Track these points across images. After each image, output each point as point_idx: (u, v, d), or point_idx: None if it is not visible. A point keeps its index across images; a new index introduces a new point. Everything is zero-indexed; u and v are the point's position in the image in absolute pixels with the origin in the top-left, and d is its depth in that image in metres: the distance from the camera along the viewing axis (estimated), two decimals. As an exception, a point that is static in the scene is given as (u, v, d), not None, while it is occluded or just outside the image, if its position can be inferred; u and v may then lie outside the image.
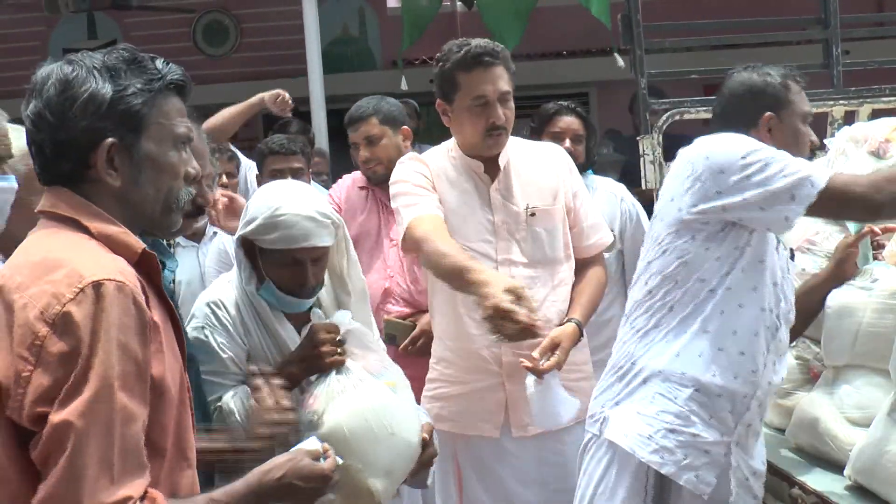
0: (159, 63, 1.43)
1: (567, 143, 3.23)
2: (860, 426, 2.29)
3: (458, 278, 2.21)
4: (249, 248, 2.14)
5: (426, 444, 2.10)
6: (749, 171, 2.03)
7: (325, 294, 2.24)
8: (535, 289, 2.44)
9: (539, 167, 2.58)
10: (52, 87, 1.36)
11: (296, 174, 3.56)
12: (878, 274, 2.41)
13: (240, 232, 2.15)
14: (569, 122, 3.31)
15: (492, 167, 2.54)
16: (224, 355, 2.11)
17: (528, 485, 2.53)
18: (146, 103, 1.38)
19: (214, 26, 8.67)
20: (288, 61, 7.44)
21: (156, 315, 1.35)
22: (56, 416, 1.21)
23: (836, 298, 2.44)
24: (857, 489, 2.20)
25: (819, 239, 2.68)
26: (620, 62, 4.87)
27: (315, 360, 2.07)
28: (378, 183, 3.20)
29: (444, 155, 2.61)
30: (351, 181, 3.40)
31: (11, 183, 1.84)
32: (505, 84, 2.46)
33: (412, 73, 6.02)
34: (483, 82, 2.43)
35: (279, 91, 4.21)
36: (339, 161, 4.46)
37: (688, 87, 5.13)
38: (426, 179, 2.54)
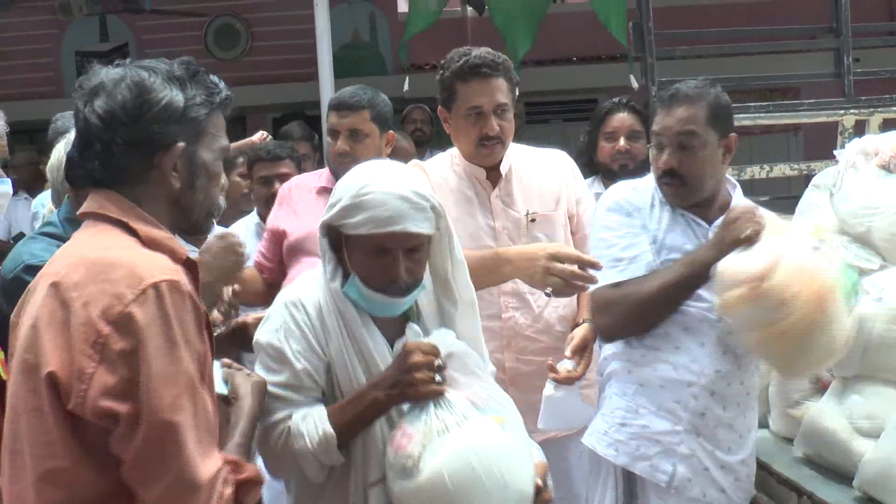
0: (215, 78, 1.53)
1: (622, 141, 3.17)
2: (870, 437, 2.29)
3: (493, 261, 2.35)
4: (335, 237, 1.82)
5: (539, 489, 1.76)
6: None
7: (425, 302, 1.89)
8: (535, 294, 2.47)
9: (542, 173, 2.60)
10: (126, 89, 1.43)
11: (284, 180, 3.45)
12: (888, 283, 2.41)
13: (324, 217, 1.83)
14: (622, 118, 3.27)
15: (494, 174, 2.56)
16: (298, 366, 1.79)
17: None
18: (207, 115, 1.49)
19: (226, 30, 8.71)
20: (299, 65, 7.47)
21: None
22: (139, 412, 1.29)
23: (846, 309, 2.44)
24: (867, 501, 2.20)
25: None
26: (635, 83, 4.81)
27: (408, 387, 1.71)
28: None
29: (447, 162, 2.63)
30: (303, 185, 3.09)
31: (8, 187, 1.91)
32: (502, 96, 2.47)
33: (421, 77, 6.02)
34: (478, 94, 2.45)
35: (264, 133, 4.27)
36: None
37: (698, 94, 5.13)
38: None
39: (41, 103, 8.37)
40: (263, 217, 3.41)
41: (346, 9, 8.37)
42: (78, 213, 1.51)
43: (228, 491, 1.36)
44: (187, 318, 1.36)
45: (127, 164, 1.44)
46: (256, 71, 8.28)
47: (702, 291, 2.18)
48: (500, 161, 2.55)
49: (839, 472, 2.36)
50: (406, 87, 5.39)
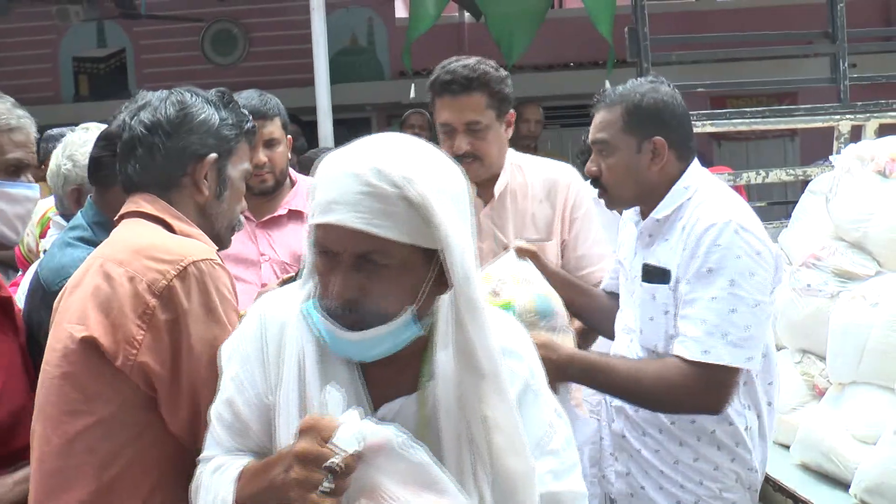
0: (245, 109, 1.74)
1: None
2: (866, 444, 2.28)
3: None
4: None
5: None
6: None
7: (443, 366, 1.31)
8: None
9: (539, 197, 2.48)
10: (170, 105, 1.64)
11: None
12: (884, 288, 2.41)
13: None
14: None
15: (487, 192, 2.46)
16: (238, 401, 1.36)
17: None
18: (237, 137, 1.69)
19: (223, 35, 8.72)
20: (296, 70, 7.48)
21: None
22: (173, 374, 1.49)
23: (841, 316, 2.44)
24: (863, 508, 2.19)
25: (825, 254, 2.67)
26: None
27: (283, 487, 1.22)
28: (262, 193, 2.62)
29: None
30: None
31: (36, 192, 1.96)
32: (473, 113, 2.32)
33: (417, 83, 6.03)
34: (447, 110, 2.35)
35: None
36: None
37: (695, 100, 5.14)
38: None
39: (39, 109, 8.38)
40: None
41: (343, 14, 8.39)
42: (118, 215, 1.66)
43: None
44: (225, 292, 1.54)
45: (164, 168, 1.63)
46: (254, 76, 8.27)
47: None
48: (488, 178, 2.44)
49: (836, 479, 2.35)
50: (413, 93, 5.39)
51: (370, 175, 1.20)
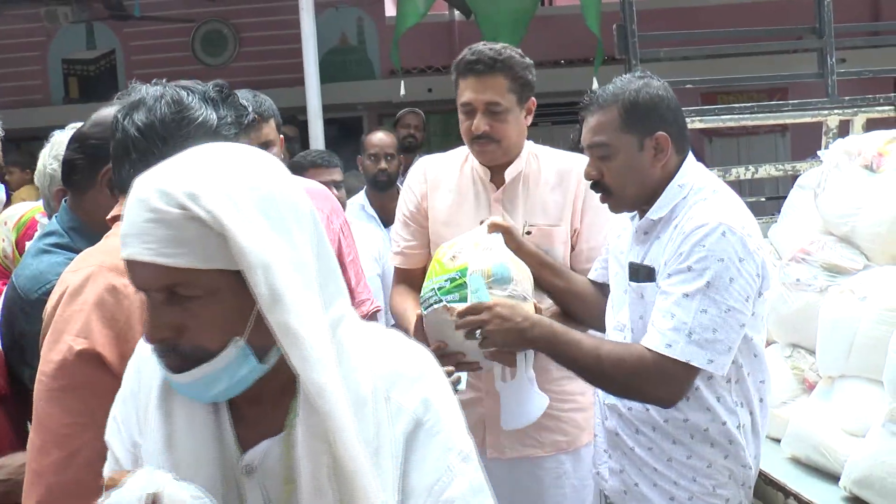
0: (244, 101, 1.64)
1: None
2: (856, 437, 2.29)
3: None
4: None
5: None
6: None
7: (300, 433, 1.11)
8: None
9: (553, 184, 2.49)
10: (165, 105, 1.54)
11: (337, 187, 3.60)
12: (872, 282, 2.42)
13: None
14: None
15: (499, 177, 2.49)
16: (114, 443, 1.25)
17: None
18: (236, 135, 1.59)
19: (213, 36, 8.71)
20: (286, 70, 7.48)
21: None
22: None
23: (830, 310, 2.45)
24: (854, 501, 2.20)
25: (814, 249, 2.69)
26: (596, 86, 4.81)
27: None
28: None
29: (460, 158, 2.57)
30: None
31: (1, 194, 1.90)
32: (495, 94, 2.36)
33: (409, 81, 6.04)
34: (470, 90, 2.38)
35: None
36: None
37: (685, 96, 5.15)
38: (414, 200, 2.55)
39: (28, 112, 8.36)
40: None
41: (333, 14, 8.39)
42: (110, 216, 1.60)
43: None
44: None
45: None
46: (244, 76, 8.27)
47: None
48: (504, 162, 2.46)
49: (826, 471, 2.37)
50: (402, 90, 5.40)
51: (154, 199, 1.05)
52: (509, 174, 2.47)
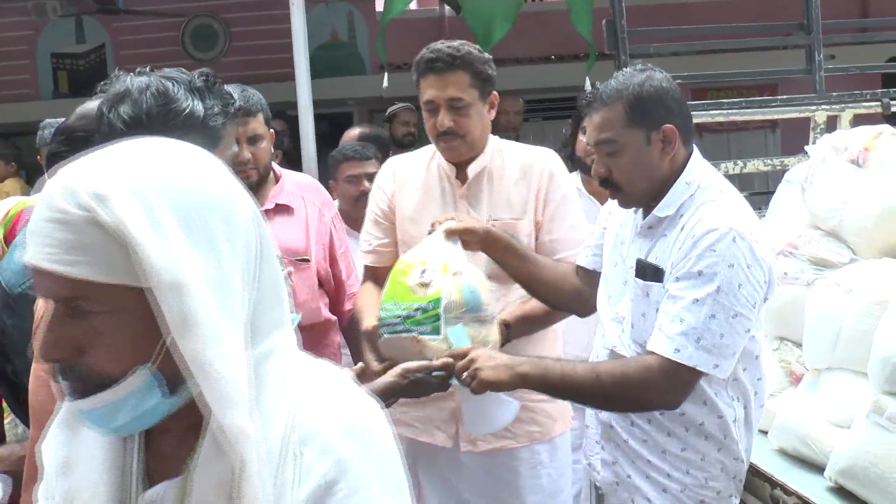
0: (229, 89, 1.63)
1: None
2: (841, 428, 2.32)
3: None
4: None
5: None
6: None
7: (208, 445, 0.96)
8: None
9: (517, 177, 2.50)
10: (151, 97, 1.52)
11: (370, 179, 3.56)
12: (858, 276, 2.44)
13: None
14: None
15: (464, 172, 2.51)
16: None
17: (478, 498, 2.51)
18: (223, 124, 1.59)
19: (203, 31, 8.68)
20: (277, 65, 7.46)
21: None
22: None
23: (817, 303, 2.47)
24: (838, 491, 2.23)
25: (801, 243, 2.71)
26: (588, 85, 4.81)
27: None
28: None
29: (425, 156, 2.60)
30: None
31: None
32: (457, 90, 2.37)
33: (399, 76, 6.03)
34: (431, 88, 2.40)
35: None
36: (327, 167, 4.47)
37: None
38: (385, 198, 2.56)
39: (18, 106, 8.32)
40: (346, 215, 3.38)
41: (323, 9, 8.38)
42: None
43: None
44: None
45: None
46: (235, 71, 8.26)
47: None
48: (469, 157, 2.48)
49: (812, 463, 2.39)
50: (385, 83, 5.38)
51: (59, 197, 0.91)
52: (473, 170, 2.49)
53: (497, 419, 2.22)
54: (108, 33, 8.61)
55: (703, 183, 2.01)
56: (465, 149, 2.45)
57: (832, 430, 2.35)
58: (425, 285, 1.99)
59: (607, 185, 2.07)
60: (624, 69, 2.10)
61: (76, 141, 1.85)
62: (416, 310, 2.00)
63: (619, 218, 2.20)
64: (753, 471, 2.40)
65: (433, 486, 2.54)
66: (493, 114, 2.50)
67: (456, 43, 2.43)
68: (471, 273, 2.09)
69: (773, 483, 2.37)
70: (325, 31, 8.51)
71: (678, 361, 1.89)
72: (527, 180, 2.50)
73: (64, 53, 8.75)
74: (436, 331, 1.97)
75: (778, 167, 3.76)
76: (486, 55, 2.45)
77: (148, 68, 1.61)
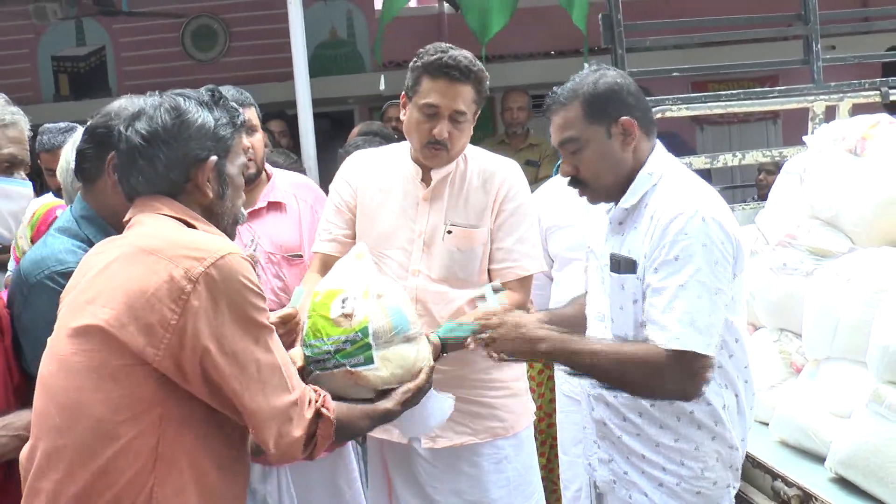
0: (234, 104, 1.76)
1: None
2: (841, 418, 2.32)
3: None
4: None
5: None
6: None
7: None
8: (439, 305, 2.44)
9: (477, 185, 2.51)
10: (165, 112, 1.66)
11: None
12: (857, 265, 2.45)
13: None
14: None
15: (429, 175, 2.51)
16: None
17: (444, 494, 2.53)
18: (232, 134, 1.72)
19: (203, 31, 8.69)
20: (276, 65, 7.46)
21: None
22: (220, 351, 1.54)
23: (816, 293, 2.48)
24: (839, 481, 2.23)
25: (800, 233, 2.71)
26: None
27: None
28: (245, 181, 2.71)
29: (391, 154, 2.59)
30: None
31: (29, 189, 1.97)
32: (463, 104, 2.39)
33: (398, 74, 6.02)
34: (440, 93, 2.38)
35: None
36: (327, 165, 4.48)
37: (676, 84, 5.16)
38: (350, 191, 2.55)
39: (20, 110, 8.33)
40: None
41: (322, 7, 8.38)
42: (126, 217, 1.69)
43: (310, 414, 1.64)
44: (255, 279, 1.61)
45: (167, 177, 1.66)
46: (235, 71, 8.27)
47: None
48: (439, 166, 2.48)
49: (813, 453, 2.39)
50: (382, 84, 5.38)
51: None
52: (438, 174, 2.49)
53: (430, 417, 2.11)
54: (109, 35, 8.62)
55: (665, 173, 2.08)
56: (446, 159, 2.46)
57: (832, 421, 2.35)
58: (348, 316, 1.92)
59: (576, 184, 2.13)
60: (580, 72, 2.16)
61: (98, 137, 1.96)
62: (345, 342, 1.92)
63: (594, 221, 2.25)
64: (754, 462, 2.41)
65: (403, 482, 2.57)
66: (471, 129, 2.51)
67: (470, 55, 2.44)
68: (392, 292, 2.02)
69: (774, 475, 2.37)
70: (324, 29, 8.52)
71: (683, 350, 1.91)
72: (486, 189, 2.52)
73: (64, 56, 8.76)
74: (369, 360, 1.91)
75: (777, 158, 3.76)
76: (486, 74, 2.48)
77: (157, 92, 1.73)
